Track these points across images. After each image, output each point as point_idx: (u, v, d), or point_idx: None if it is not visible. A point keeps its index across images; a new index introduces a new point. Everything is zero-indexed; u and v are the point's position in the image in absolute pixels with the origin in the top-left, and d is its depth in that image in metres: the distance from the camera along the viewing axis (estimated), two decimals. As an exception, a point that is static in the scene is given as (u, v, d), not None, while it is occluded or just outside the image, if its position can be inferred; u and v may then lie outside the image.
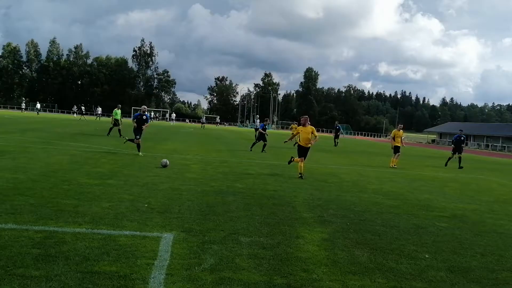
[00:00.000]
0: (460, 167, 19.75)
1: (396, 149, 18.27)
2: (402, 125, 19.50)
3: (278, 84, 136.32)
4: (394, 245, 5.58)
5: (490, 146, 71.07)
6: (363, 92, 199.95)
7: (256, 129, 33.85)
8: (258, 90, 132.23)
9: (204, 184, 9.59)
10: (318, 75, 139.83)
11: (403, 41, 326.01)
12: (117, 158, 13.24)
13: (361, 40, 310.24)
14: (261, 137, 21.69)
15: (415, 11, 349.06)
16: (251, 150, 20.83)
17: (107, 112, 68.05)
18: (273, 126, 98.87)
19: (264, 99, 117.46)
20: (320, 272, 4.36)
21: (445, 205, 9.13)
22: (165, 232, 5.42)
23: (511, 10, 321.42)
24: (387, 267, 4.65)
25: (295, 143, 15.41)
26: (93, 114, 70.63)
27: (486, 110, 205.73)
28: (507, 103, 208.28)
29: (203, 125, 63.72)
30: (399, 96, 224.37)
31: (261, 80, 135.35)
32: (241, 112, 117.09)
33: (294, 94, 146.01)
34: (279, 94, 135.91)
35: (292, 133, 17.65)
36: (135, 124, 15.21)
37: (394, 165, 17.94)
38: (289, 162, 13.46)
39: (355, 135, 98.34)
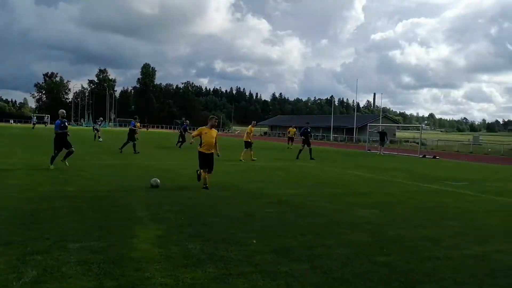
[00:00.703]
0: (312, 159, 20.67)
1: (248, 144, 19.22)
2: (255, 122, 20.78)
3: (114, 81, 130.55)
4: (225, 234, 5.89)
5: (312, 136, 79.32)
6: (200, 88, 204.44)
7: (95, 129, 31.83)
8: (93, 86, 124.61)
9: (30, 190, 8.75)
10: (156, 71, 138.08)
11: (236, 39, 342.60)
12: None
13: (198, 37, 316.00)
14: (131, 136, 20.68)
15: (246, 11, 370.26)
16: (121, 151, 19.84)
17: None
18: (110, 124, 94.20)
19: (100, 96, 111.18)
20: (152, 270, 4.36)
21: (273, 192, 9.96)
22: (-25, 248, 4.77)
23: (326, 15, 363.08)
24: (218, 256, 4.89)
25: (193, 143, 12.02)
26: None
27: (310, 104, 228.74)
28: (326, 97, 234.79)
29: (34, 125, 58.36)
30: (234, 92, 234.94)
31: (96, 77, 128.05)
32: (74, 110, 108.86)
33: (132, 91, 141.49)
34: (116, 90, 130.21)
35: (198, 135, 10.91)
36: None
37: (243, 159, 18.68)
38: (199, 178, 10.43)
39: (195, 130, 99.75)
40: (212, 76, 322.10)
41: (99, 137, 30.81)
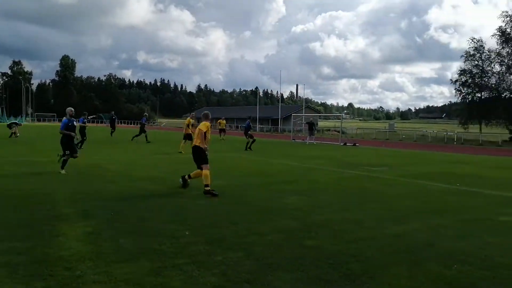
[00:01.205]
0: (249, 149, 21.73)
1: (189, 136, 19.19)
2: (193, 114, 20.49)
3: (30, 73, 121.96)
4: (157, 228, 5.84)
5: (239, 127, 79.93)
6: (123, 80, 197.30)
7: (13, 125, 29.65)
8: (7, 79, 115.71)
9: None
10: (76, 63, 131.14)
11: (159, 30, 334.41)
12: None
13: (119, 28, 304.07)
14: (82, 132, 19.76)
15: (169, 3, 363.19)
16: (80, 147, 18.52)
17: None
18: (27, 119, 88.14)
19: (15, 90, 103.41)
20: (84, 268, 4.22)
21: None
22: None
23: (248, 7, 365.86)
24: (151, 250, 4.84)
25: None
26: None
27: (235, 95, 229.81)
28: (251, 88, 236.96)
29: None
30: (158, 84, 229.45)
31: (9, 69, 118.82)
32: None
33: (50, 84, 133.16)
34: (33, 84, 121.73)
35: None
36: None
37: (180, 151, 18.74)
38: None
39: (119, 123, 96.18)
40: (135, 68, 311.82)
41: (14, 133, 28.68)
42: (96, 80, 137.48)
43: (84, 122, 20.76)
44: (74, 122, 11.96)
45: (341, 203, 8.20)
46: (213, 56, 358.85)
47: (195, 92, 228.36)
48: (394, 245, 5.44)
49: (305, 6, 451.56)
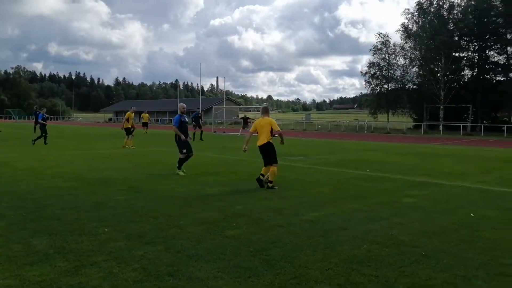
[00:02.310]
0: (201, 139, 23.19)
1: (129, 131, 18.73)
2: (134, 108, 19.76)
3: None
4: (75, 226, 5.63)
5: (159, 120, 78.24)
6: (34, 73, 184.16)
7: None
8: None
9: None
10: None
11: (72, 21, 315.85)
12: None
13: (27, 18, 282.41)
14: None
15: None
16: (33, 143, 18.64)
17: None
18: None
19: None
20: (-8, 273, 3.97)
21: (123, 179, 9.72)
22: None
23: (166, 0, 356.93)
24: (68, 249, 4.67)
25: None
26: None
27: (155, 88, 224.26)
28: (171, 81, 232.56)
29: None
30: (73, 77, 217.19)
31: None
32: None
33: None
34: None
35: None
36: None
37: (132, 146, 18.47)
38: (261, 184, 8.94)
39: (30, 119, 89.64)
40: (46, 60, 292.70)
41: None
42: (2, 74, 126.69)
43: (44, 119, 19.98)
44: (186, 118, 11.13)
45: (261, 192, 8.43)
46: (130, 48, 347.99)
47: (113, 85, 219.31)
48: (311, 230, 5.72)
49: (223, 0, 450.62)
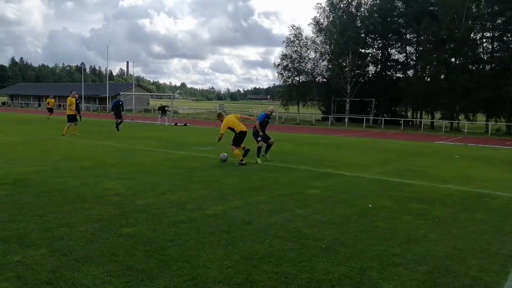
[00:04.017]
0: (117, 128, 21.71)
1: (73, 118, 18.10)
2: (74, 92, 18.88)
3: None
4: None
5: (62, 106, 73.14)
6: None
7: None
8: None
9: None
10: None
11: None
12: None
13: None
14: None
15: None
16: None
17: None
18: None
19: None
20: None
21: (7, 171, 8.72)
22: None
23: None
24: None
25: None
26: None
27: (58, 71, 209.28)
28: (76, 64, 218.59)
29: None
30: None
31: None
32: None
33: None
34: None
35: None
36: None
37: (76, 133, 17.90)
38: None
39: None
40: None
41: None
42: None
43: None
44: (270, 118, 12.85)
45: (165, 185, 8.03)
46: (29, 25, 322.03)
47: (7, 65, 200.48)
48: (214, 225, 5.52)
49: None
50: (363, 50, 47.48)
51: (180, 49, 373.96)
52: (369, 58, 48.19)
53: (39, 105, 74.00)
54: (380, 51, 49.16)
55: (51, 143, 15.02)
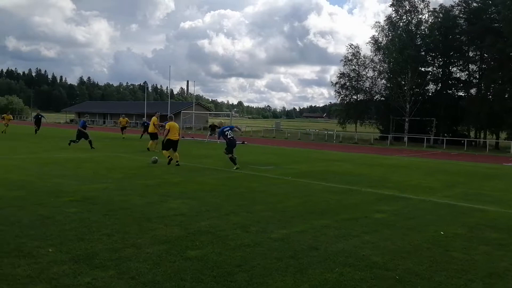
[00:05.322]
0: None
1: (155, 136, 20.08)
2: (159, 113, 21.08)
3: None
4: (13, 245, 4.92)
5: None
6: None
7: None
8: None
9: None
10: None
11: (33, 16, 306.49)
12: None
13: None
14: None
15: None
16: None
17: None
18: None
19: None
20: None
21: (77, 188, 8.99)
22: None
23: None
24: (1, 275, 4.02)
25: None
26: None
27: (121, 89, 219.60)
28: (139, 83, 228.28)
29: None
30: (33, 74, 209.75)
31: None
32: None
33: None
34: None
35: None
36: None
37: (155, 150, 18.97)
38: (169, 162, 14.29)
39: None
40: (4, 55, 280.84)
41: None
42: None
43: (84, 126, 20.22)
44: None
45: (228, 206, 7.93)
46: (96, 47, 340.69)
47: (76, 84, 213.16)
48: (279, 250, 5.30)
49: (194, 2, 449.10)
50: (423, 69, 46.10)
51: (237, 69, 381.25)
52: (429, 76, 46.71)
53: (104, 122, 77.68)
54: (440, 69, 47.40)
55: (116, 160, 15.51)
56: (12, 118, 37.91)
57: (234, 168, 13.93)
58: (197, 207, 7.69)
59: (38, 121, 32.01)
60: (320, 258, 5.11)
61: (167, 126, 15.01)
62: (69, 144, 19.82)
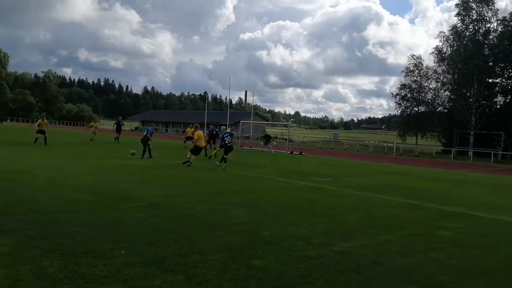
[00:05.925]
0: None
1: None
2: (198, 125, 20.18)
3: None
4: (89, 246, 5.24)
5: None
6: (64, 78, 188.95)
7: None
8: None
9: None
10: (9, 57, 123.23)
11: (103, 29, 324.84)
12: None
13: (59, 23, 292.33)
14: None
15: (114, 1, 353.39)
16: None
17: None
18: None
19: None
20: (-4, 298, 3.66)
21: (144, 194, 9.38)
22: None
23: (198, 12, 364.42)
24: (79, 274, 4.29)
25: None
26: None
27: (183, 99, 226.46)
28: (199, 93, 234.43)
29: None
30: (102, 83, 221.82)
31: None
32: None
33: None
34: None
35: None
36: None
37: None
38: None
39: (57, 124, 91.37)
40: (76, 66, 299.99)
41: None
42: (32, 77, 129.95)
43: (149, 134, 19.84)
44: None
45: (288, 217, 7.96)
46: (160, 58, 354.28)
47: (141, 94, 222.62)
48: (342, 263, 5.26)
49: (254, 14, 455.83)
50: (490, 80, 43.80)
51: (295, 79, 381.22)
52: (497, 88, 44.27)
53: (166, 130, 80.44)
54: (510, 81, 44.73)
55: (178, 168, 16.01)
56: (98, 126, 38.56)
57: (223, 167, 15.66)
58: (258, 217, 7.78)
59: (118, 128, 31.36)
60: (383, 273, 5.01)
61: (196, 136, 16.83)
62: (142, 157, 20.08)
